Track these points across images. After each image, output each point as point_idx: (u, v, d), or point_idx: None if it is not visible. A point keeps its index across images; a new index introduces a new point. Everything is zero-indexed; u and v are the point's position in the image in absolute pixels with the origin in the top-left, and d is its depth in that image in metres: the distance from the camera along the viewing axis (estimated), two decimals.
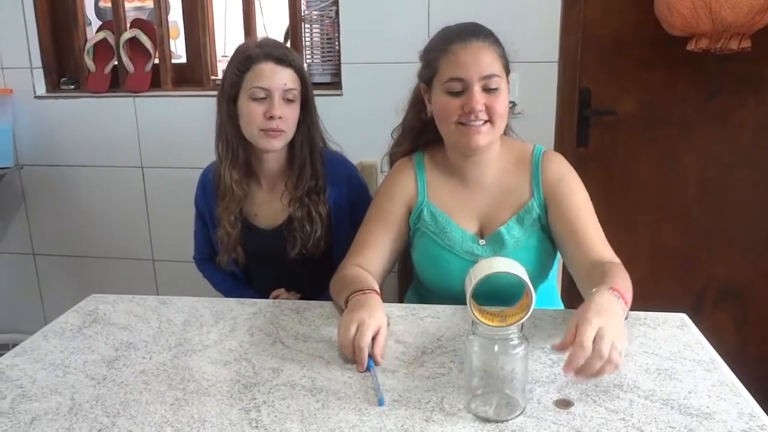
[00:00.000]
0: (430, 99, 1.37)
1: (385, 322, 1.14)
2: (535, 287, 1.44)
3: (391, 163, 1.53)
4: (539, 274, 1.41)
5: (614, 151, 2.21)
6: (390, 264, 1.43)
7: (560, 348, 0.96)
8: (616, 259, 1.29)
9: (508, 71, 1.34)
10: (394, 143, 1.54)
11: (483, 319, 0.94)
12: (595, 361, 0.92)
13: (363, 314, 1.12)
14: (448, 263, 1.36)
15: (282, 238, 1.57)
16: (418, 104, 1.45)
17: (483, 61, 1.28)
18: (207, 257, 1.73)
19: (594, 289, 1.08)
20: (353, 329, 1.09)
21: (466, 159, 1.38)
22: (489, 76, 1.28)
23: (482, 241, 1.37)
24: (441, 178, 1.43)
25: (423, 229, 1.41)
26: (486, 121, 1.30)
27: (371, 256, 1.39)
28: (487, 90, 1.29)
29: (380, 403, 0.98)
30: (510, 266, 0.97)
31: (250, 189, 1.60)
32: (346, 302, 1.23)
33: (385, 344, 1.13)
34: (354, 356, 1.08)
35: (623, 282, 1.16)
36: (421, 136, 1.47)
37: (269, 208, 1.60)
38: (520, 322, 0.93)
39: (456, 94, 1.30)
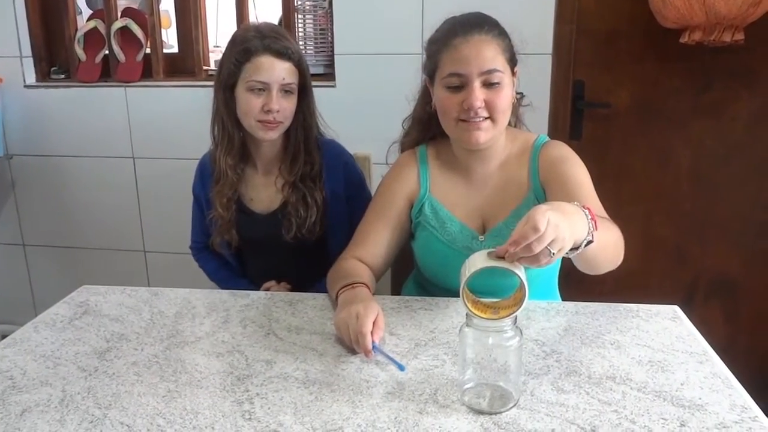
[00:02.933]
0: (433, 93, 1.34)
1: (379, 309, 1.14)
2: (535, 277, 1.43)
3: (401, 151, 1.50)
4: (545, 271, 1.39)
5: (607, 143, 2.21)
6: (390, 257, 1.42)
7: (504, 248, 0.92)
8: None
9: (514, 64, 1.31)
10: (404, 133, 1.51)
11: (476, 311, 0.94)
12: (530, 234, 0.88)
13: (358, 306, 1.12)
14: (448, 258, 1.34)
15: (277, 222, 1.57)
16: (426, 95, 1.42)
17: (484, 55, 1.24)
18: (203, 246, 1.72)
19: None
20: (353, 321, 1.09)
21: (469, 153, 1.36)
22: (490, 71, 1.24)
23: (482, 237, 1.35)
24: (444, 171, 1.41)
25: (424, 223, 1.39)
26: (487, 118, 1.26)
27: (371, 249, 1.39)
28: (487, 85, 1.25)
29: (401, 368, 1.04)
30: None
31: (246, 173, 1.61)
32: (337, 297, 1.23)
33: (384, 329, 1.13)
34: (358, 344, 1.08)
35: (602, 221, 1.10)
36: (429, 127, 1.45)
37: (264, 192, 1.61)
38: (513, 315, 0.93)
39: (455, 89, 1.26)
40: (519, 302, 0.94)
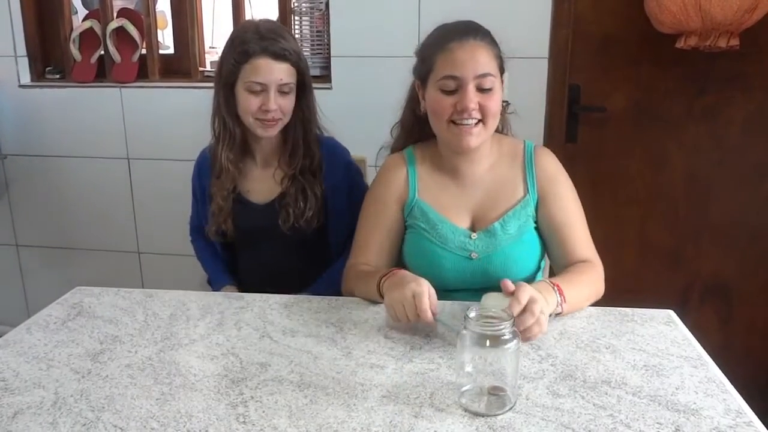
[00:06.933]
0: (424, 96, 1.38)
1: (429, 284, 1.18)
2: (529, 280, 1.44)
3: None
4: (533, 268, 1.42)
5: (603, 147, 2.21)
6: (393, 260, 1.45)
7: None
8: (596, 259, 1.37)
9: (502, 71, 1.35)
10: (394, 140, 1.55)
11: None
12: (528, 317, 1.06)
13: (411, 285, 1.16)
14: (441, 258, 1.38)
15: (273, 213, 1.58)
16: (413, 100, 1.46)
17: (479, 59, 1.29)
18: (201, 227, 1.72)
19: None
20: (409, 301, 1.14)
21: (457, 155, 1.39)
22: (484, 75, 1.29)
23: (474, 235, 1.38)
24: (432, 173, 1.44)
25: (414, 226, 1.42)
26: (478, 121, 1.31)
27: (372, 257, 1.42)
28: (480, 89, 1.30)
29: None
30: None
31: (245, 166, 1.62)
32: (380, 286, 1.27)
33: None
34: (417, 319, 1.14)
35: (576, 278, 1.28)
36: (414, 132, 1.49)
37: (262, 184, 1.62)
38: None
39: (450, 92, 1.31)
40: None
